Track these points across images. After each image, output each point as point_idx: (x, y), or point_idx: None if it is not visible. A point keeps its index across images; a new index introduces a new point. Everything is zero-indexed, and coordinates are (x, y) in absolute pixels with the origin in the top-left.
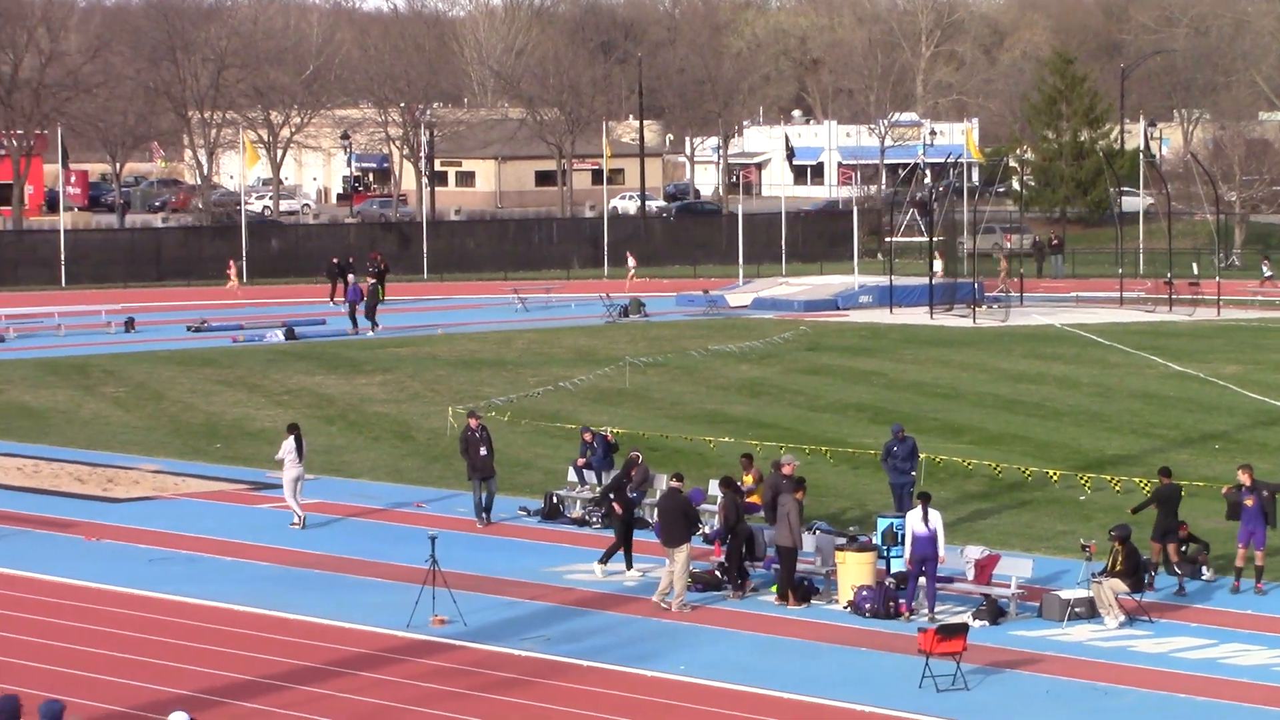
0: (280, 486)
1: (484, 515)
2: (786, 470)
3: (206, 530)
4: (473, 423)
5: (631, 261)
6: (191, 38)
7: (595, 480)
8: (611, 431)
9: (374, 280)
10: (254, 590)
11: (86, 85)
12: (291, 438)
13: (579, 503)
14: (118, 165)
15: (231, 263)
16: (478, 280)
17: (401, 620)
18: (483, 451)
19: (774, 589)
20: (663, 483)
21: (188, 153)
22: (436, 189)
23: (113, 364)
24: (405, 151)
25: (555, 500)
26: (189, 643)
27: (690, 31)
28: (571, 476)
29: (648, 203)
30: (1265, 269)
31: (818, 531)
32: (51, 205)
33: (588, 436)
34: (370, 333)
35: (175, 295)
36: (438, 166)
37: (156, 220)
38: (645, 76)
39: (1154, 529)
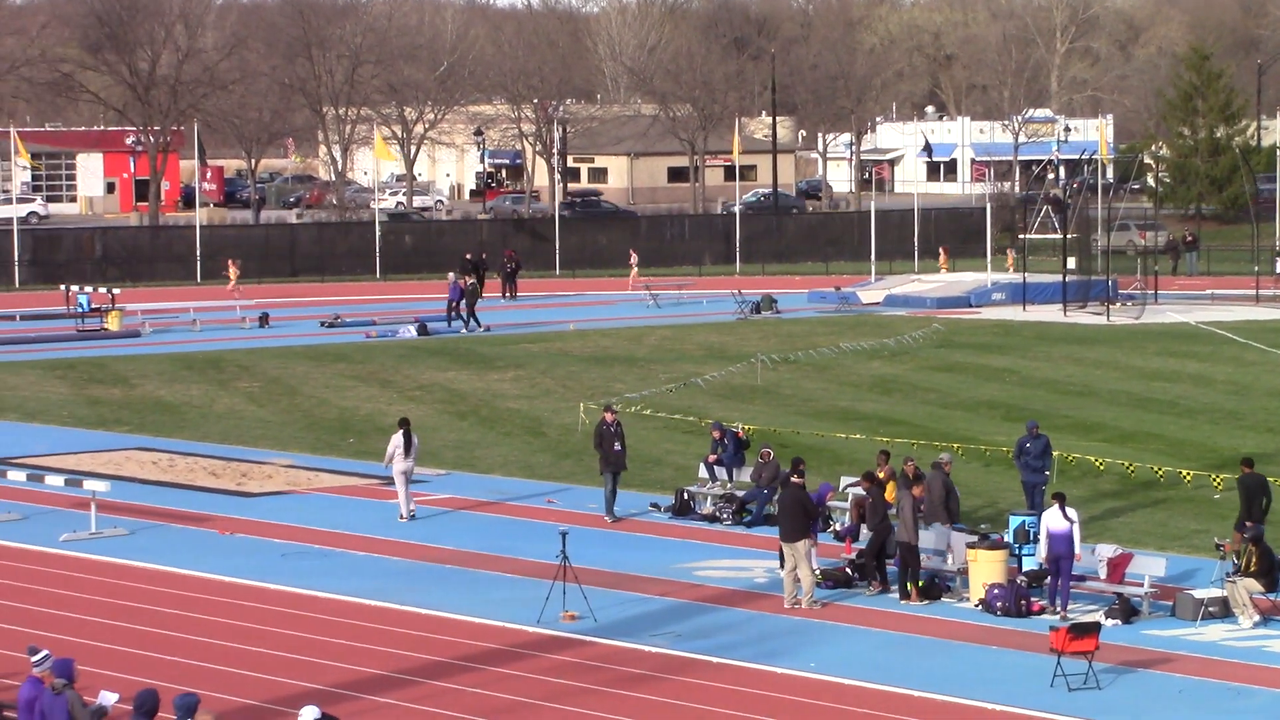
0: (422, 480)
1: (614, 512)
2: (946, 468)
3: (339, 525)
4: (608, 417)
5: (634, 259)
6: (326, 34)
7: (726, 476)
8: (742, 428)
9: (472, 280)
10: (386, 585)
11: (222, 82)
12: (400, 433)
13: (710, 499)
14: (253, 161)
15: (230, 262)
16: (609, 276)
17: (532, 615)
18: (616, 446)
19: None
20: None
21: (322, 149)
22: (569, 185)
23: (247, 359)
24: (538, 147)
25: (686, 496)
26: (321, 637)
27: (823, 27)
28: (702, 473)
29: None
30: None
31: (949, 529)
32: (188, 201)
33: (717, 433)
34: (480, 330)
35: (309, 291)
36: (570, 162)
37: (291, 216)
38: (778, 72)
39: (1238, 518)
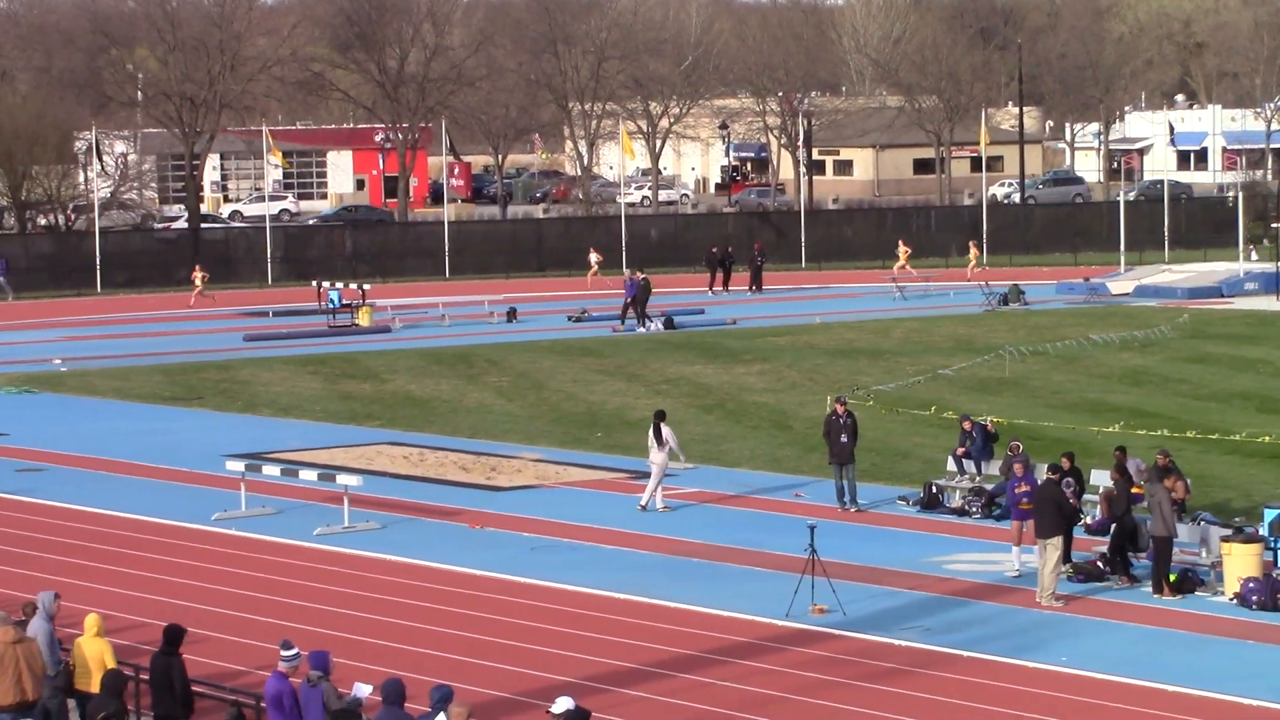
0: (670, 475)
1: (844, 501)
2: None
3: (587, 518)
4: (839, 409)
5: (595, 258)
6: (572, 30)
7: (974, 470)
8: (991, 420)
9: (644, 276)
10: (634, 578)
11: (470, 79)
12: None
13: (958, 492)
14: (500, 157)
15: (197, 269)
16: (855, 269)
17: (780, 609)
18: (843, 439)
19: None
20: (1043, 473)
21: (568, 144)
22: (814, 178)
23: (495, 354)
24: (783, 141)
25: (934, 489)
26: (571, 630)
27: (1071, 16)
28: (950, 466)
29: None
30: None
31: (1203, 522)
32: (436, 197)
33: (967, 425)
34: (640, 329)
35: (556, 285)
36: (815, 155)
37: (538, 211)
38: (1025, 62)
39: None
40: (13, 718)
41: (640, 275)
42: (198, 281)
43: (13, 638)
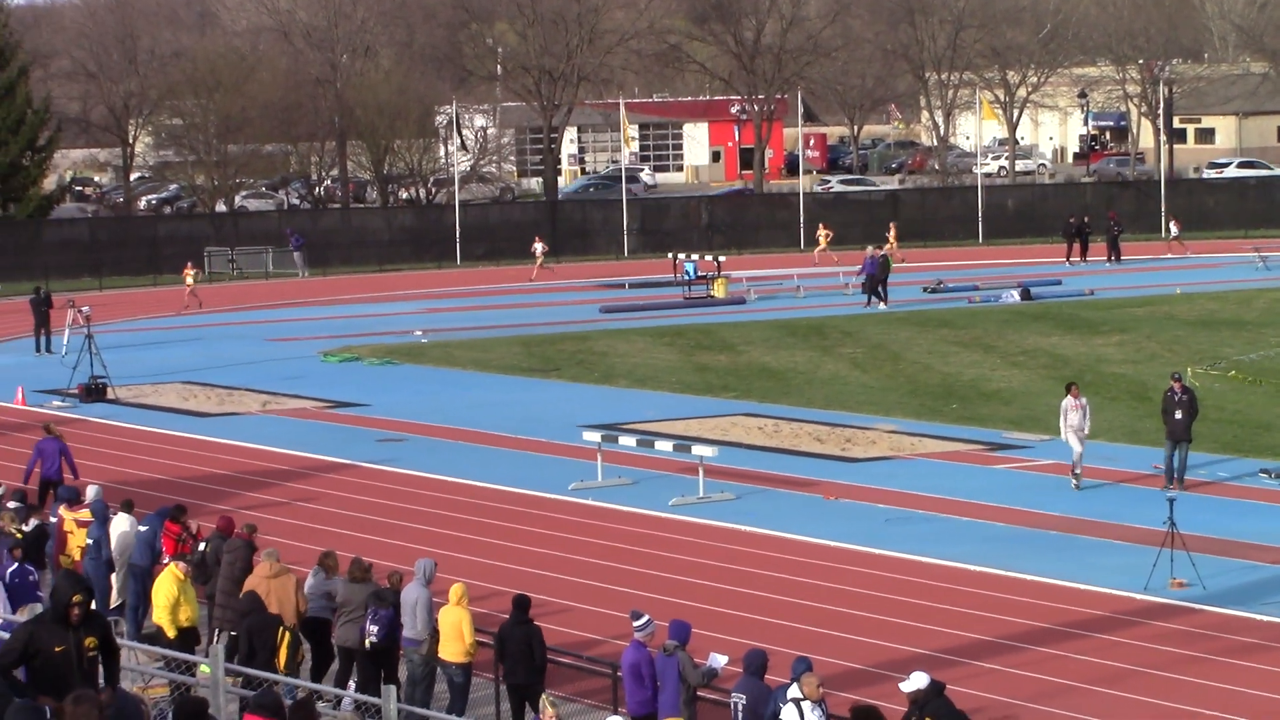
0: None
1: (1172, 478)
2: None
3: (943, 490)
4: (1176, 386)
5: (540, 247)
6: (929, 0)
7: None
8: None
9: (883, 253)
10: (989, 550)
11: (826, 49)
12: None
13: None
14: (855, 128)
15: (190, 264)
16: (1217, 239)
17: (1138, 582)
18: (1177, 415)
19: None
20: None
21: (924, 114)
22: (1175, 146)
23: (850, 325)
24: (1143, 109)
25: None
26: (926, 602)
27: None
28: None
29: None
30: (1174, 228)
31: None
32: (791, 168)
33: None
34: (881, 306)
35: (909, 256)
36: (1176, 123)
37: (894, 181)
38: None
39: None
40: None
41: (880, 253)
42: (189, 280)
43: (270, 573)
